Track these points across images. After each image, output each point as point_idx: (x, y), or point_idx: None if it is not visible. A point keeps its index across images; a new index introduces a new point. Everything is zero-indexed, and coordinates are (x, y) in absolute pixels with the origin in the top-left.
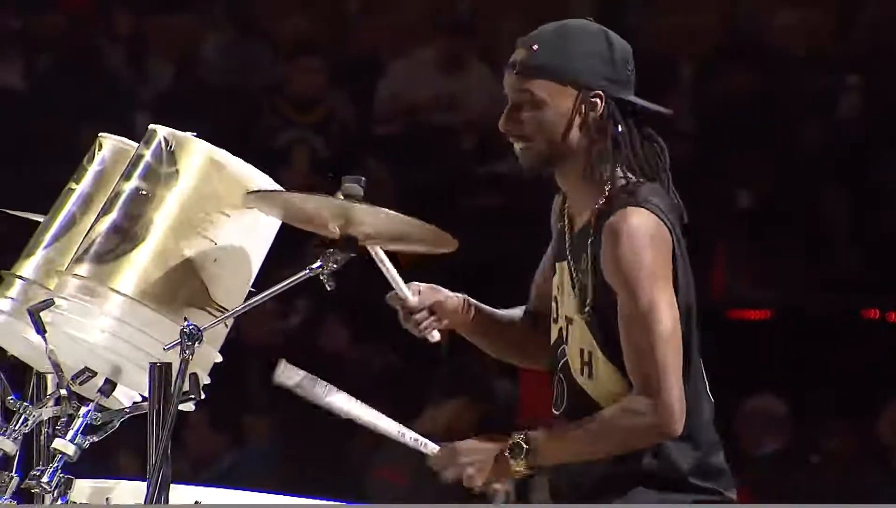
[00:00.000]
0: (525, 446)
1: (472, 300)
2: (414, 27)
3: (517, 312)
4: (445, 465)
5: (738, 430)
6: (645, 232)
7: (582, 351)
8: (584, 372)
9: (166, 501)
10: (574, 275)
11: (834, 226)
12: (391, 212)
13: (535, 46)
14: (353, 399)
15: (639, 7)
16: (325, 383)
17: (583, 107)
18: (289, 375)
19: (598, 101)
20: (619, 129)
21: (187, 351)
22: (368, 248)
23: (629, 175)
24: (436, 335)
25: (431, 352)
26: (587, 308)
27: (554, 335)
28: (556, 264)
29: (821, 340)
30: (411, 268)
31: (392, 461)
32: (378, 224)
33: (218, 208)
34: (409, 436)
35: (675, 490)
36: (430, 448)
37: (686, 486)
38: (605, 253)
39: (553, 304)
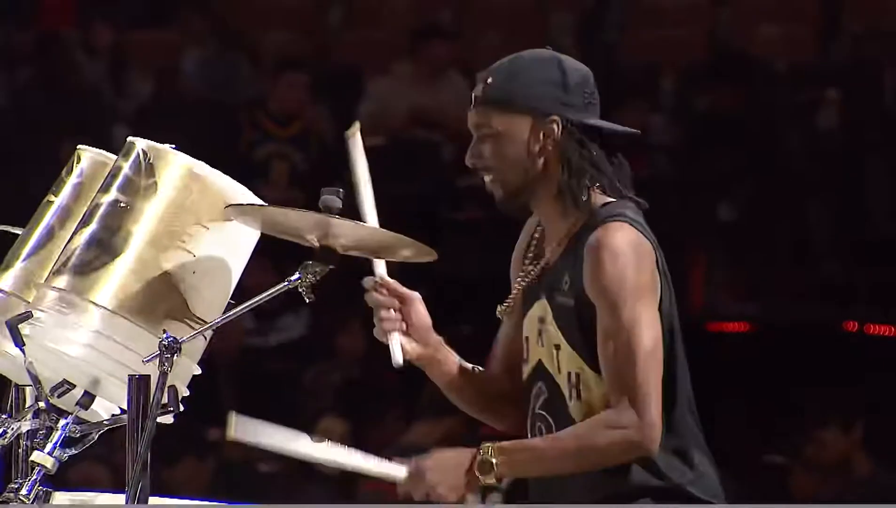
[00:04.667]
0: (494, 461)
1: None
2: (395, 41)
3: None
4: (414, 487)
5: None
6: (628, 246)
7: (570, 374)
8: (572, 396)
9: None
10: (554, 302)
11: (813, 239)
12: (370, 226)
13: (490, 79)
14: (313, 440)
15: (620, 21)
16: (281, 429)
17: (540, 133)
18: (244, 429)
19: (554, 126)
20: (583, 151)
21: (166, 364)
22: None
23: (603, 195)
24: (397, 357)
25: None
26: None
27: (525, 374)
28: (533, 305)
29: (800, 352)
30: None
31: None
32: (357, 236)
33: (197, 220)
34: (374, 465)
35: (674, 500)
36: (398, 472)
37: (683, 497)
38: (588, 269)
39: (525, 345)
